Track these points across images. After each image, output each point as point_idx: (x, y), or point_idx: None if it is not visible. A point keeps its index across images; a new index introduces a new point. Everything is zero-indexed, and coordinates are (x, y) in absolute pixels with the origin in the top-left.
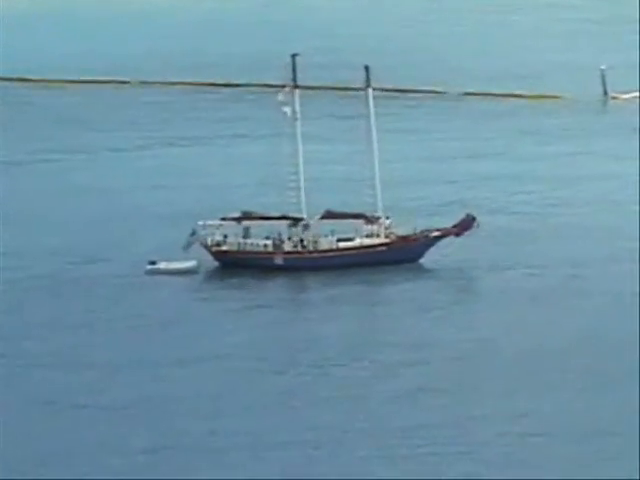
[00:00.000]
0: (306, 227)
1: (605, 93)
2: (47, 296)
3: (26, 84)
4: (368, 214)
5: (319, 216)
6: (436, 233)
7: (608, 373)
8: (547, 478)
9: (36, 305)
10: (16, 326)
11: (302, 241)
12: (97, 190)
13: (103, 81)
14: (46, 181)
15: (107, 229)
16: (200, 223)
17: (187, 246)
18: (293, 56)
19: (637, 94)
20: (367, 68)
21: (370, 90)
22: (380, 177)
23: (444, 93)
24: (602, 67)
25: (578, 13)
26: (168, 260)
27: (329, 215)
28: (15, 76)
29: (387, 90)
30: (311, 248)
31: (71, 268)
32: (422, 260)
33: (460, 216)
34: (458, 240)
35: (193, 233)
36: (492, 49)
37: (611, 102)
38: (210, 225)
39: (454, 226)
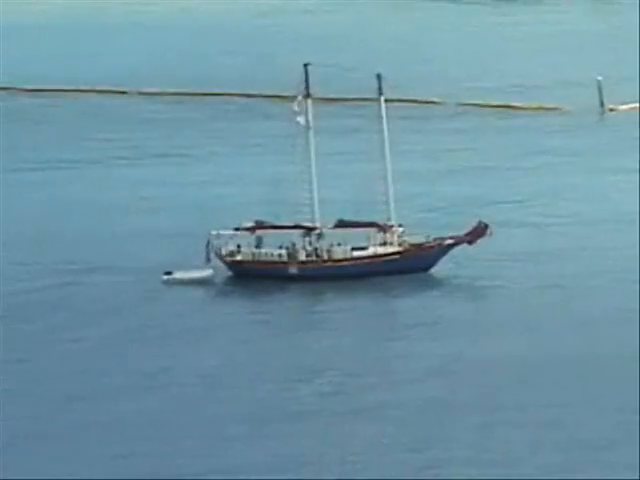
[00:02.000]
0: (320, 236)
1: (602, 104)
2: (63, 307)
3: (20, 93)
4: (381, 222)
5: (332, 225)
6: (449, 241)
7: (612, 392)
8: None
9: (51, 316)
10: (31, 336)
11: (316, 250)
12: (108, 201)
13: (98, 90)
14: (54, 192)
15: (122, 240)
16: (213, 233)
17: (207, 257)
18: (305, 66)
19: (634, 105)
20: (379, 76)
21: (382, 99)
22: (393, 185)
23: (441, 104)
24: (599, 78)
25: (573, 24)
26: (184, 270)
27: (342, 224)
28: (9, 85)
29: (400, 101)
30: (325, 257)
31: (88, 278)
32: (435, 268)
33: (472, 224)
34: (471, 248)
35: (208, 244)
36: (488, 60)
37: (608, 113)
38: (223, 235)
39: (467, 234)
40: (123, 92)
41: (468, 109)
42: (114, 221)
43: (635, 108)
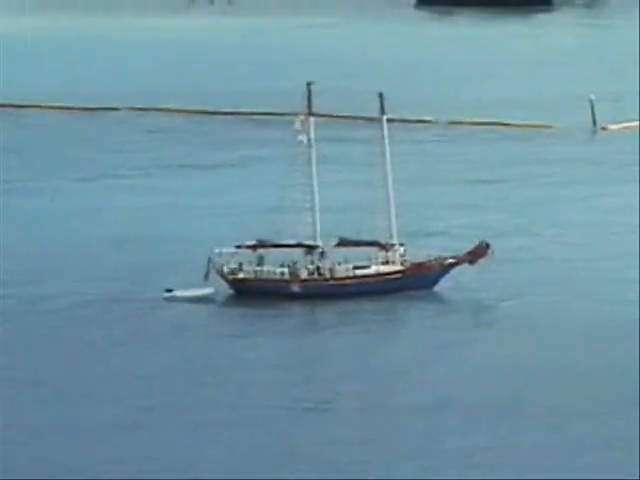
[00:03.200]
0: (322, 255)
1: (594, 123)
2: (62, 323)
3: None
4: (382, 241)
5: (334, 243)
6: (450, 260)
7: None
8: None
9: (49, 333)
10: (31, 352)
11: (318, 269)
12: (109, 216)
13: (90, 108)
14: (51, 205)
15: (121, 256)
16: (216, 251)
17: (207, 275)
18: (308, 84)
19: (627, 125)
20: (381, 95)
21: (384, 118)
22: (394, 205)
23: (432, 122)
24: (591, 97)
25: (567, 42)
26: (184, 288)
27: (344, 242)
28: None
29: (402, 121)
30: (327, 276)
31: (87, 296)
32: (437, 288)
33: (474, 243)
34: (473, 267)
35: (210, 261)
36: (480, 77)
37: (601, 132)
38: (225, 253)
39: (468, 253)
40: (115, 109)
41: (461, 127)
42: (113, 231)
43: (628, 127)
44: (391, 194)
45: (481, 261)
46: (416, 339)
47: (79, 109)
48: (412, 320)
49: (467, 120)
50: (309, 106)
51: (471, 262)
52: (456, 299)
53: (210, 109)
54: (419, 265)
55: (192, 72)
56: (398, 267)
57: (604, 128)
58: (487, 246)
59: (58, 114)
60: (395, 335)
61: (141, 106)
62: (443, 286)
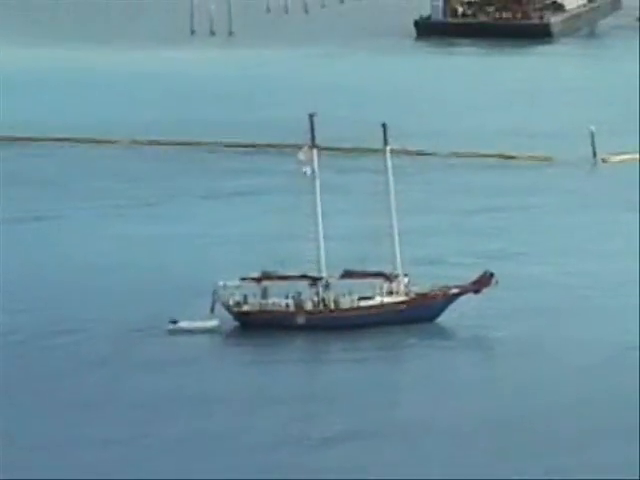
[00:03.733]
0: (327, 286)
1: (594, 155)
2: (64, 352)
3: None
4: (387, 272)
5: (338, 275)
6: (455, 290)
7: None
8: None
9: (50, 362)
10: (31, 383)
11: (323, 300)
12: (113, 246)
13: (88, 140)
14: (53, 234)
15: (124, 286)
16: (220, 284)
17: (213, 308)
18: (311, 116)
19: (627, 156)
20: (384, 126)
21: (388, 149)
22: (398, 234)
23: (434, 154)
24: (591, 128)
25: (566, 73)
26: (189, 319)
27: (348, 274)
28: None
29: (406, 152)
30: (332, 307)
31: (90, 325)
32: (441, 318)
33: (478, 272)
34: (477, 297)
35: (214, 293)
36: (481, 109)
37: (601, 164)
38: (230, 286)
39: (473, 283)
40: (114, 142)
41: (462, 159)
42: (116, 261)
43: (628, 159)
44: (395, 224)
45: (485, 290)
46: (420, 370)
47: (78, 140)
48: (416, 351)
49: (468, 152)
50: (312, 138)
51: (475, 292)
52: (461, 330)
53: (213, 141)
54: (423, 296)
55: (194, 103)
56: (403, 298)
57: (604, 160)
58: (491, 275)
59: (60, 144)
60: (399, 367)
61: (141, 139)
62: (448, 316)
